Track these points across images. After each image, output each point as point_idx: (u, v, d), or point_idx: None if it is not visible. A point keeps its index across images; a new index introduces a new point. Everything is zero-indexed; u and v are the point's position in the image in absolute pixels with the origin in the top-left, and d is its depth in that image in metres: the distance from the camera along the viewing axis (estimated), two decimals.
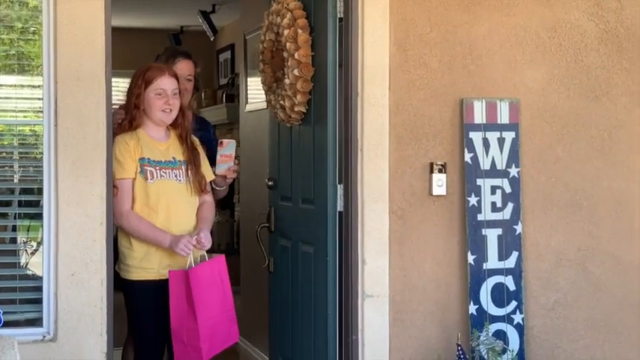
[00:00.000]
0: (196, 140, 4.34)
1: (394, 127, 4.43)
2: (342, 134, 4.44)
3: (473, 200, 4.48)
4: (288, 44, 4.55)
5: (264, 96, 5.32)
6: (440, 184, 4.47)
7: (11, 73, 4.12)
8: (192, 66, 4.69)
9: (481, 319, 4.43)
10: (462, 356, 4.22)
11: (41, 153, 4.05)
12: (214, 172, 4.55)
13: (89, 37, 4.00)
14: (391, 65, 4.43)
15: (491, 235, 4.49)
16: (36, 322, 4.04)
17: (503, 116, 4.54)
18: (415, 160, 4.46)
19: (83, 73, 4.00)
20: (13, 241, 4.13)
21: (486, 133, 4.52)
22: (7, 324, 3.98)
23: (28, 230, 4.14)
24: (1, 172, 4.14)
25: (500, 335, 4.45)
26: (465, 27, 4.52)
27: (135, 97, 4.17)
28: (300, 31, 4.50)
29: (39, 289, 4.04)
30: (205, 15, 8.57)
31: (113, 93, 4.07)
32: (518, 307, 4.50)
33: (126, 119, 4.21)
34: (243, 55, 6.98)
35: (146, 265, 4.10)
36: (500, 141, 4.53)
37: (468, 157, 4.48)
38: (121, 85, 4.44)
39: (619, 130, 4.67)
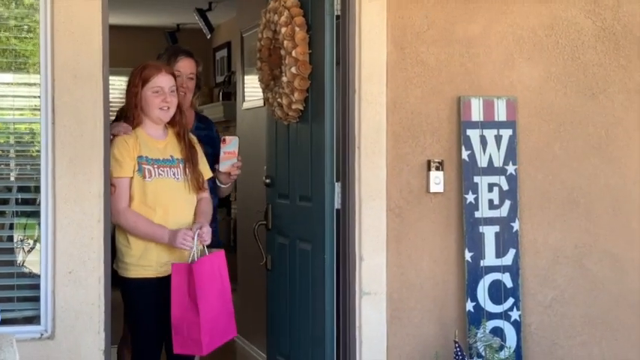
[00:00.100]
0: (194, 138, 4.34)
1: (391, 124, 4.44)
2: (339, 132, 4.44)
3: (470, 198, 4.48)
4: (285, 42, 4.55)
5: (261, 94, 5.32)
6: (437, 181, 4.47)
7: (8, 71, 4.11)
8: (194, 64, 4.69)
9: (478, 316, 4.44)
10: (459, 353, 4.23)
11: (38, 151, 4.05)
12: (218, 170, 4.56)
13: (86, 35, 4.00)
14: (388, 63, 4.43)
15: (489, 233, 4.50)
16: (33, 319, 4.04)
17: (501, 114, 4.55)
18: (412, 158, 4.47)
19: (80, 71, 4.00)
20: (10, 239, 4.13)
21: (484, 130, 4.52)
22: (5, 322, 3.98)
23: (25, 228, 4.14)
24: None
25: (498, 332, 4.45)
26: (462, 24, 4.52)
27: (133, 96, 4.17)
28: (297, 28, 4.51)
29: (36, 286, 4.04)
30: (202, 13, 8.57)
31: (110, 91, 4.07)
32: (516, 304, 4.51)
33: (125, 117, 4.22)
34: (240, 53, 6.98)
35: (144, 262, 4.10)
36: (498, 138, 4.54)
37: (465, 154, 4.49)
38: (116, 84, 4.44)
39: (616, 127, 4.68)
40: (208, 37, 8.99)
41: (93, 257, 4.01)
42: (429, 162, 4.47)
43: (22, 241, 4.14)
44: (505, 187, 4.52)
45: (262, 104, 5.75)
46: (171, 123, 4.24)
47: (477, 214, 4.49)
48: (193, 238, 4.03)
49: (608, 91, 4.67)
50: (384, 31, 4.42)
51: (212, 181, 4.55)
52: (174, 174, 4.16)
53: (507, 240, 4.51)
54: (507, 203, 4.52)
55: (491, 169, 4.52)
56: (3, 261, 4.09)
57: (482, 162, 4.51)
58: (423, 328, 4.47)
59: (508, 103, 4.55)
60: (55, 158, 3.98)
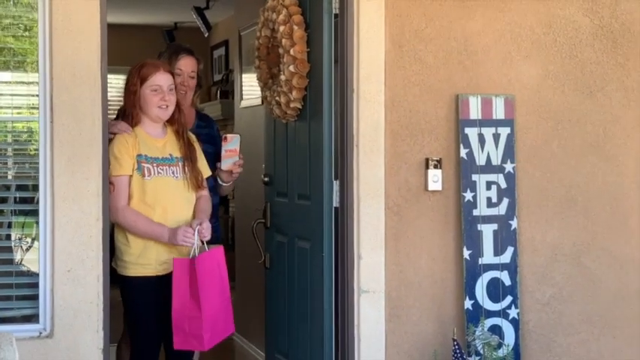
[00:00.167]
0: (192, 136, 4.34)
1: (390, 123, 4.44)
2: (337, 130, 4.45)
3: (468, 196, 4.49)
4: (283, 40, 4.55)
5: (259, 92, 5.32)
6: (435, 179, 4.47)
7: (6, 70, 4.11)
8: (195, 63, 4.68)
9: (477, 314, 4.44)
10: (458, 351, 4.23)
11: (36, 149, 4.05)
12: (219, 168, 4.55)
13: (85, 34, 4.00)
14: (386, 61, 4.43)
15: (487, 231, 4.50)
16: (32, 318, 4.04)
17: (499, 112, 4.55)
18: (411, 156, 4.47)
19: (79, 69, 4.00)
20: (8, 237, 4.13)
21: (482, 128, 4.53)
22: (3, 320, 3.99)
23: (23, 227, 4.14)
24: None
25: (496, 330, 4.46)
26: (460, 22, 4.53)
27: (131, 95, 4.17)
28: (295, 27, 4.51)
29: (35, 285, 4.04)
30: (199, 11, 8.56)
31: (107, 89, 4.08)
32: (514, 302, 4.51)
33: (123, 115, 4.22)
34: (238, 52, 6.98)
35: (143, 261, 4.10)
36: (496, 137, 4.54)
37: (463, 152, 4.49)
38: (114, 82, 4.44)
39: (614, 125, 4.69)
40: (206, 35, 8.98)
41: (91, 256, 4.02)
42: (427, 160, 4.47)
43: (20, 239, 4.14)
44: (503, 185, 4.53)
45: (260, 102, 5.74)
46: (170, 121, 4.24)
47: (475, 212, 4.49)
48: (194, 235, 4.03)
49: (606, 89, 4.68)
50: (382, 30, 4.42)
51: (213, 179, 4.55)
52: (173, 172, 4.15)
53: (505, 238, 4.52)
54: (505, 201, 4.53)
55: (489, 167, 4.52)
56: (1, 259, 4.09)
57: (481, 160, 4.51)
58: (422, 326, 4.47)
59: (506, 101, 4.56)
60: (54, 157, 3.98)
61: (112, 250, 4.14)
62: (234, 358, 6.66)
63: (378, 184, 4.41)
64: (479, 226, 4.49)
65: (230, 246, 7.28)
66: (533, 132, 4.61)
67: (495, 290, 4.49)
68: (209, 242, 4.15)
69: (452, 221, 4.51)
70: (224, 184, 4.64)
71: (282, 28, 4.55)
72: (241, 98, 6.90)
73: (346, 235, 4.40)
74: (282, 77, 4.60)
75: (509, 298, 4.51)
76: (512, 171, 4.54)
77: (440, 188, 4.48)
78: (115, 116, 4.41)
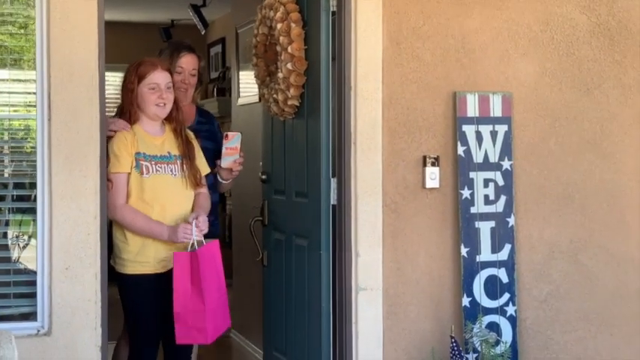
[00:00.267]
0: (191, 134, 4.33)
1: (387, 120, 4.44)
2: (335, 128, 4.45)
3: (466, 193, 4.49)
4: (281, 38, 4.55)
5: (256, 89, 5.33)
6: (433, 177, 4.48)
7: (3, 67, 4.11)
8: (196, 60, 4.67)
9: (474, 311, 4.45)
10: (455, 348, 4.24)
11: (33, 147, 4.05)
12: (220, 166, 4.55)
13: (82, 32, 4.00)
14: (384, 59, 4.43)
15: (484, 228, 4.51)
16: (30, 316, 4.04)
17: (496, 109, 4.56)
18: (408, 154, 4.47)
19: (76, 67, 4.00)
20: (5, 235, 4.12)
21: (479, 126, 4.53)
22: (1, 318, 4.00)
23: (20, 225, 4.13)
24: None
25: (494, 327, 4.46)
26: (457, 20, 4.53)
27: (129, 92, 4.16)
28: (293, 24, 4.51)
29: (33, 283, 4.04)
30: (196, 9, 8.56)
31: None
32: (511, 300, 4.52)
33: (121, 113, 4.21)
34: (235, 49, 6.98)
35: (141, 259, 4.10)
36: (493, 134, 4.55)
37: (460, 150, 4.50)
38: (110, 80, 4.44)
39: (611, 122, 4.69)
40: (203, 33, 8.98)
41: (89, 253, 4.01)
42: (424, 157, 4.48)
43: (17, 237, 4.14)
44: (501, 182, 4.53)
45: (257, 100, 5.75)
46: (168, 119, 4.23)
47: (473, 210, 4.50)
48: (192, 229, 4.03)
49: (603, 86, 4.68)
50: (379, 27, 4.42)
51: (213, 176, 4.55)
52: (171, 170, 4.15)
53: (503, 235, 4.52)
54: (503, 199, 4.53)
55: (486, 165, 4.53)
56: None
57: (478, 157, 4.52)
58: (419, 323, 4.47)
59: (503, 99, 4.56)
60: (52, 154, 3.98)
61: (110, 248, 4.14)
62: (232, 356, 6.66)
63: (375, 181, 4.41)
64: (476, 223, 4.49)
65: (227, 243, 7.29)
66: (530, 129, 4.61)
67: (493, 287, 4.50)
68: (206, 237, 4.15)
69: (449, 219, 4.51)
70: (224, 182, 4.63)
71: (279, 25, 4.55)
72: (238, 96, 6.90)
73: (344, 233, 4.40)
74: (280, 75, 4.60)
75: (506, 296, 4.52)
76: (509, 168, 4.55)
77: (437, 186, 4.49)
78: (113, 114, 4.40)
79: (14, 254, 4.14)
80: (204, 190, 4.28)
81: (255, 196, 5.57)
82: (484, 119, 4.53)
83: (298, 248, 4.69)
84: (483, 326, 4.40)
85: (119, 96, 4.29)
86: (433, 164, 4.48)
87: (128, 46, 8.71)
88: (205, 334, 4.00)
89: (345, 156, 4.40)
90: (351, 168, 4.39)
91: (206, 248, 4.07)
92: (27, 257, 4.11)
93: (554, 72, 4.64)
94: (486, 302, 4.49)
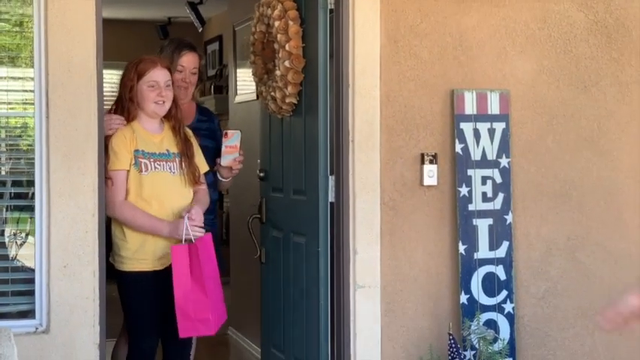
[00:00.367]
0: (189, 132, 4.33)
1: (385, 118, 4.44)
2: (333, 125, 4.45)
3: (464, 190, 4.50)
4: (278, 36, 4.55)
5: (253, 87, 5.32)
6: (431, 174, 4.48)
7: (1, 65, 4.10)
8: (197, 58, 4.66)
9: (472, 308, 4.46)
10: (453, 346, 4.24)
11: (30, 145, 4.05)
12: (219, 164, 4.55)
13: (80, 29, 4.00)
14: (382, 56, 4.44)
15: (482, 225, 4.51)
16: (28, 314, 4.04)
17: (494, 107, 4.56)
18: (406, 151, 4.48)
19: (74, 65, 4.00)
20: (3, 233, 4.12)
21: (477, 123, 4.54)
22: (0, 316, 3.98)
23: (17, 222, 4.13)
24: None
25: (491, 324, 4.47)
26: (455, 18, 4.53)
27: (128, 89, 4.16)
28: (290, 22, 4.51)
29: (31, 281, 4.04)
30: (193, 6, 8.56)
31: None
32: (509, 297, 4.53)
33: (117, 109, 4.21)
34: (233, 47, 6.98)
35: (140, 256, 4.10)
36: (491, 132, 4.55)
37: (458, 147, 4.50)
38: (107, 77, 4.43)
39: (608, 120, 4.70)
40: (200, 30, 8.98)
41: (87, 251, 4.01)
42: (422, 155, 4.48)
43: (15, 235, 4.14)
44: (498, 180, 4.54)
45: (255, 98, 5.75)
46: (167, 117, 4.23)
47: (471, 207, 4.50)
48: (184, 223, 4.02)
49: (601, 84, 4.69)
50: (377, 25, 4.42)
51: (213, 174, 4.55)
52: (170, 168, 4.15)
53: (501, 233, 4.53)
54: (501, 196, 4.54)
55: (484, 162, 4.53)
56: None
57: (476, 155, 4.52)
58: (417, 320, 4.48)
59: (501, 97, 4.57)
60: (50, 152, 3.98)
61: (109, 246, 4.14)
62: (230, 353, 6.67)
63: (373, 179, 4.42)
64: (474, 220, 4.50)
65: (225, 241, 7.29)
66: (528, 127, 4.62)
67: (491, 285, 4.51)
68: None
69: (447, 216, 4.52)
70: (223, 180, 4.63)
71: (277, 23, 4.55)
72: (236, 93, 6.90)
73: (342, 230, 4.41)
74: (278, 72, 4.60)
75: (504, 293, 4.52)
76: (507, 166, 4.55)
77: (435, 183, 4.49)
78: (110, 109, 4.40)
79: (12, 252, 4.14)
80: (203, 187, 4.28)
81: (253, 193, 5.57)
82: (482, 117, 4.54)
83: (296, 246, 4.69)
84: (481, 323, 4.40)
85: (116, 93, 4.29)
86: (431, 162, 4.48)
87: (125, 44, 8.70)
88: (209, 325, 4.01)
89: (342, 153, 4.40)
90: (348, 165, 4.40)
91: (202, 240, 4.07)
92: (25, 255, 4.11)
93: (551, 69, 4.64)
94: (484, 299, 4.49)
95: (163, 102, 4.16)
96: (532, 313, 4.60)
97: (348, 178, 4.40)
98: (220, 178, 4.62)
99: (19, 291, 4.08)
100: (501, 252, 4.53)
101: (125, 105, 4.16)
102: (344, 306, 4.41)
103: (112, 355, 4.52)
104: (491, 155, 4.54)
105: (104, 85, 4.11)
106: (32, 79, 4.03)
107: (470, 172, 4.51)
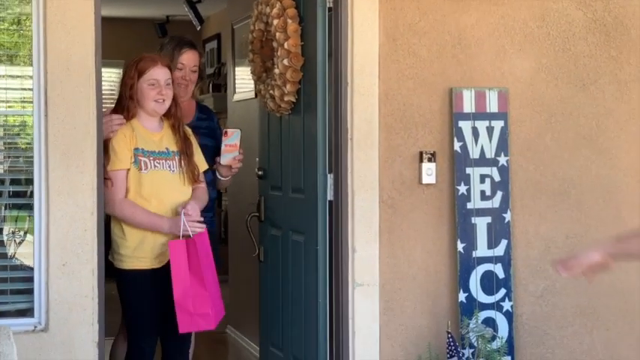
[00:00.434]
0: (189, 130, 4.33)
1: (384, 116, 4.44)
2: (331, 124, 4.45)
3: (462, 189, 4.50)
4: (277, 34, 4.55)
5: (252, 85, 5.32)
6: (429, 172, 4.48)
7: None
8: (197, 56, 4.65)
9: (471, 307, 4.46)
10: (452, 344, 4.24)
11: (29, 143, 4.05)
12: (219, 162, 4.54)
13: (79, 28, 3.99)
14: (380, 55, 4.44)
15: (481, 224, 4.51)
16: (27, 312, 4.04)
17: (492, 105, 4.56)
18: (405, 149, 4.48)
19: (73, 63, 3.99)
20: (1, 231, 4.12)
21: (475, 122, 4.54)
22: None
23: (16, 221, 4.13)
24: None
25: (490, 323, 4.47)
26: (453, 16, 4.53)
27: (128, 87, 4.16)
28: (289, 20, 4.51)
29: (30, 279, 4.04)
30: (191, 4, 8.55)
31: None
32: (508, 295, 4.53)
33: (117, 108, 4.20)
34: (231, 45, 6.98)
35: (139, 254, 4.10)
36: (489, 130, 4.55)
37: (457, 146, 4.50)
38: (105, 75, 4.43)
39: (607, 118, 4.70)
40: (198, 28, 8.98)
41: (86, 249, 4.01)
42: (421, 153, 4.48)
43: (13, 233, 4.13)
44: (497, 178, 4.54)
45: (253, 96, 5.75)
46: (167, 115, 4.23)
47: (469, 205, 4.50)
48: (181, 219, 4.02)
49: (599, 82, 4.69)
50: (376, 23, 4.42)
51: (212, 172, 4.54)
52: (169, 166, 4.15)
53: (499, 231, 4.53)
54: (499, 194, 4.54)
55: (483, 161, 4.53)
56: None
57: (474, 153, 4.52)
58: (416, 318, 4.48)
59: (500, 95, 4.57)
60: (48, 150, 3.98)
61: (108, 244, 4.14)
62: (228, 352, 6.67)
63: (372, 177, 4.42)
64: (473, 219, 4.50)
65: (223, 240, 7.29)
66: (526, 125, 4.62)
67: (489, 283, 4.51)
68: None
69: (446, 214, 4.52)
70: (222, 179, 4.63)
71: (275, 21, 4.55)
72: (234, 92, 6.90)
73: (340, 229, 4.41)
74: (276, 71, 4.60)
75: (502, 291, 4.53)
76: (505, 164, 4.55)
77: (434, 181, 4.49)
78: (109, 108, 4.39)
79: (11, 250, 4.14)
80: (202, 185, 4.28)
81: (251, 192, 5.57)
82: (480, 115, 4.54)
83: (295, 244, 4.70)
84: (480, 322, 4.41)
85: (114, 91, 4.29)
86: (429, 160, 4.48)
87: (123, 43, 8.70)
88: (209, 320, 4.01)
89: (341, 152, 4.40)
90: (347, 164, 4.40)
91: (200, 235, 4.06)
92: (23, 253, 4.12)
93: (550, 68, 4.64)
94: (483, 298, 4.50)
95: (163, 100, 4.16)
96: (531, 312, 4.60)
97: (347, 176, 4.40)
98: (219, 177, 4.61)
99: (18, 289, 4.08)
100: (500, 250, 4.53)
101: (125, 103, 4.16)
102: (343, 304, 4.41)
103: (110, 354, 4.52)
104: (489, 153, 4.54)
105: (103, 83, 4.11)
106: (31, 77, 4.03)
107: (468, 170, 4.51)
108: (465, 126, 4.52)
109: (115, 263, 4.16)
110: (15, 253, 4.13)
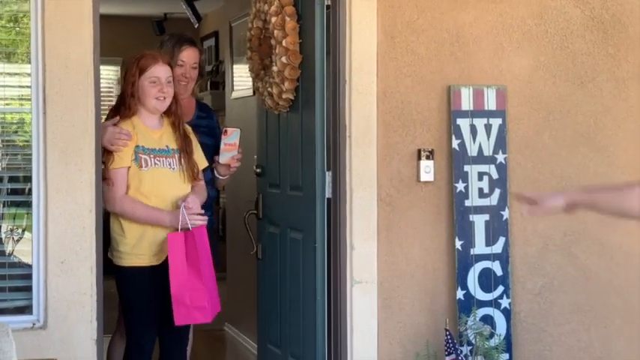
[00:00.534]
0: (189, 128, 4.32)
1: (382, 114, 4.45)
2: (329, 121, 4.46)
3: (460, 186, 4.51)
4: (275, 32, 4.55)
5: (250, 83, 5.32)
6: (427, 170, 4.49)
7: None
8: (197, 53, 4.63)
9: (469, 304, 4.46)
10: (450, 341, 4.25)
11: (27, 141, 4.05)
12: (217, 161, 4.54)
13: (77, 25, 3.99)
14: (379, 52, 4.44)
15: (479, 221, 4.52)
16: (25, 309, 4.04)
17: (490, 103, 4.57)
18: (403, 147, 4.48)
19: (71, 60, 3.99)
20: (0, 229, 4.12)
21: (473, 119, 4.54)
22: None
23: (14, 218, 4.13)
24: None
25: (488, 320, 4.48)
26: (452, 14, 4.53)
27: (130, 85, 4.16)
28: (287, 18, 4.51)
29: (28, 276, 4.04)
30: (189, 2, 8.54)
31: None
32: (505, 292, 4.54)
33: (120, 105, 4.20)
34: (229, 43, 6.98)
35: (138, 251, 4.10)
36: (487, 127, 4.56)
37: (455, 143, 4.51)
38: (104, 73, 4.43)
39: (604, 116, 4.71)
40: (196, 26, 8.97)
41: (85, 247, 4.01)
42: (419, 151, 4.49)
43: (12, 230, 4.14)
44: (495, 175, 4.55)
45: (251, 93, 5.75)
46: (167, 113, 4.22)
47: (467, 203, 4.51)
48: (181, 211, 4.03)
49: (597, 79, 4.70)
50: (374, 21, 4.42)
51: (211, 171, 4.54)
52: (169, 164, 4.15)
53: (497, 228, 4.54)
54: (497, 192, 4.55)
55: (481, 158, 4.54)
56: None
57: (472, 151, 4.53)
58: (414, 316, 4.49)
59: (498, 92, 4.57)
60: (47, 148, 3.98)
61: (107, 241, 4.14)
62: (226, 349, 6.68)
63: (370, 174, 4.42)
64: (471, 216, 4.51)
65: (221, 237, 7.29)
66: (524, 123, 4.63)
67: (487, 280, 4.51)
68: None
69: (444, 212, 4.52)
70: (221, 178, 4.62)
71: (274, 19, 4.55)
72: (232, 89, 6.90)
73: (338, 226, 4.41)
74: (274, 68, 4.60)
75: (500, 288, 4.53)
76: (503, 162, 4.56)
77: (432, 179, 4.50)
78: (108, 108, 4.39)
79: (9, 248, 4.14)
80: (201, 183, 4.28)
81: (249, 189, 5.57)
82: (478, 113, 4.54)
83: (293, 241, 4.70)
84: (477, 319, 4.41)
85: (111, 89, 4.29)
86: (428, 157, 4.49)
87: (121, 40, 8.69)
88: (205, 313, 4.01)
89: (339, 149, 4.40)
90: (345, 161, 4.40)
91: (198, 229, 4.06)
92: (22, 251, 4.12)
93: (548, 65, 4.65)
94: (480, 295, 4.50)
95: (164, 98, 4.16)
96: (528, 309, 4.61)
97: (345, 173, 4.40)
98: (218, 176, 4.60)
99: (17, 287, 4.08)
100: (498, 248, 4.53)
101: (126, 100, 4.16)
102: (341, 302, 4.41)
103: (107, 351, 4.52)
104: (487, 151, 4.54)
105: (101, 81, 4.11)
106: (29, 75, 4.03)
107: (466, 167, 4.52)
108: (463, 123, 4.52)
109: (114, 260, 4.16)
110: (13, 250, 4.13)
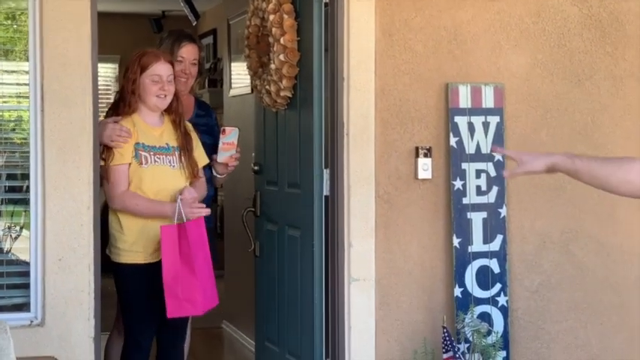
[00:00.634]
0: (189, 125, 4.32)
1: (380, 111, 4.45)
2: (327, 119, 4.46)
3: (458, 184, 4.51)
4: (273, 29, 4.55)
5: (248, 80, 5.32)
6: (425, 168, 4.49)
7: None
8: (197, 50, 4.62)
9: (466, 301, 4.47)
10: (447, 339, 4.25)
11: (24, 138, 4.05)
12: (215, 160, 4.53)
13: (75, 23, 4.00)
14: (377, 50, 4.44)
15: (476, 219, 4.52)
16: (23, 307, 4.05)
17: (488, 101, 4.57)
18: (401, 145, 4.48)
19: (69, 58, 4.00)
20: None
21: (471, 117, 4.55)
22: None
23: (12, 216, 4.13)
24: None
25: (485, 317, 4.48)
26: (449, 12, 4.54)
27: (131, 82, 4.15)
28: (285, 16, 4.51)
29: (26, 274, 4.04)
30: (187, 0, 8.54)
31: None
32: (503, 290, 4.54)
33: (119, 102, 4.19)
34: (227, 40, 6.98)
35: (137, 248, 4.09)
36: (485, 125, 4.56)
37: (453, 141, 4.51)
38: (102, 71, 4.43)
39: (602, 114, 4.71)
40: (194, 24, 8.96)
41: (82, 244, 4.02)
42: (417, 149, 4.49)
43: (9, 228, 4.14)
44: (492, 173, 4.55)
45: (249, 91, 5.75)
46: (168, 111, 4.21)
47: (465, 201, 4.51)
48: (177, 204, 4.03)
49: (594, 78, 4.70)
50: (372, 19, 4.43)
51: (209, 169, 4.54)
52: (169, 161, 4.14)
53: (495, 226, 4.54)
54: (495, 189, 4.55)
55: (478, 156, 4.54)
56: None
57: (470, 148, 4.53)
58: (412, 313, 4.49)
59: (495, 90, 4.58)
60: (45, 145, 3.98)
61: (106, 238, 4.14)
62: (224, 346, 6.68)
63: (368, 172, 4.42)
64: (468, 214, 4.51)
65: (219, 234, 7.30)
66: (522, 120, 4.63)
67: (485, 278, 4.52)
68: None
69: (442, 209, 4.53)
70: (218, 176, 4.61)
71: (272, 16, 4.55)
72: (230, 87, 6.90)
73: (336, 224, 4.42)
74: (272, 66, 4.60)
75: (498, 286, 4.54)
76: (501, 159, 4.56)
77: (430, 176, 4.50)
78: (107, 106, 4.39)
79: (6, 245, 4.14)
80: (201, 180, 4.28)
81: (247, 187, 5.57)
82: (476, 110, 4.55)
83: (290, 239, 4.70)
84: (475, 316, 4.42)
85: (109, 87, 4.29)
86: (425, 155, 4.49)
87: (119, 38, 8.70)
88: (196, 305, 4.00)
89: (337, 147, 4.41)
90: (343, 159, 4.40)
91: (193, 222, 4.06)
92: (19, 248, 4.12)
93: (545, 63, 4.65)
94: (478, 292, 4.51)
95: (165, 96, 4.15)
96: (526, 307, 4.62)
97: (343, 171, 4.41)
98: (215, 174, 4.59)
99: (14, 284, 4.08)
100: (495, 245, 4.54)
101: (126, 97, 4.15)
102: (338, 299, 4.42)
103: (105, 349, 4.52)
104: (485, 149, 4.55)
105: (99, 78, 4.11)
106: (26, 72, 4.03)
107: (464, 165, 4.52)
108: (461, 121, 4.52)
109: (113, 257, 4.15)
110: (11, 247, 4.14)
